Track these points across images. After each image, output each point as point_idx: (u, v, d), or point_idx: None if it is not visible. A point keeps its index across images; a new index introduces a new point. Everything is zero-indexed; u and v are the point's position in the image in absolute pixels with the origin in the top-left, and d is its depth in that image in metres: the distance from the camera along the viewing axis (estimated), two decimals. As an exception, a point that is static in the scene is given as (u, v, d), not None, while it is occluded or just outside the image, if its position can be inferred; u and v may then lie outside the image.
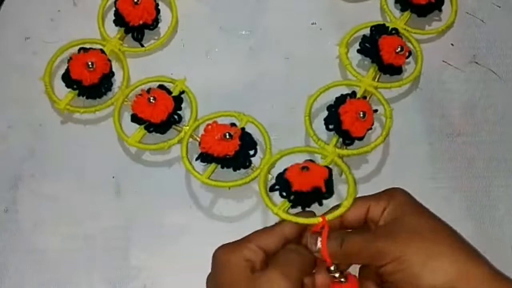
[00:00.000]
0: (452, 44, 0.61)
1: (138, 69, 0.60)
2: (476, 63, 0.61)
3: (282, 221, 0.48)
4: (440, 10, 0.62)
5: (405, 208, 0.46)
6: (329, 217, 0.48)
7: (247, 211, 0.55)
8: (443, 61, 0.61)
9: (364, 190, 0.56)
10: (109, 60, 0.59)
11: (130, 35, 0.61)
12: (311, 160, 0.52)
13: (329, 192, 0.50)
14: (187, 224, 0.55)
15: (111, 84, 0.59)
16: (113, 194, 0.56)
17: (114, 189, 0.56)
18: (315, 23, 0.62)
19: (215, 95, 0.59)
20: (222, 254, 0.45)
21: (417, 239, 0.43)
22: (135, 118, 0.56)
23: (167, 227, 0.55)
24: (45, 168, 0.57)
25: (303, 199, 0.50)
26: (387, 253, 0.43)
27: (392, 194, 0.47)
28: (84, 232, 0.55)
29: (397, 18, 0.61)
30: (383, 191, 0.48)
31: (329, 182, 0.50)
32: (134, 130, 0.57)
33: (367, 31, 0.60)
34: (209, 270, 0.47)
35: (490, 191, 0.56)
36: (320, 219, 0.48)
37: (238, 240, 0.46)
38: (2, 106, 0.59)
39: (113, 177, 0.56)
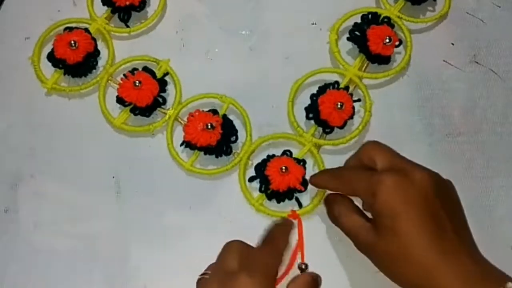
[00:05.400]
0: (452, 44, 0.61)
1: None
2: (476, 63, 0.61)
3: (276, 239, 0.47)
4: (434, 0, 0.62)
5: (396, 208, 0.45)
6: (299, 212, 0.53)
7: (247, 211, 0.55)
8: (444, 60, 0.61)
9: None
10: (94, 39, 0.59)
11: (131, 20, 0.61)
12: (289, 153, 0.55)
13: (304, 188, 0.54)
14: (186, 224, 0.55)
15: (96, 63, 0.60)
16: (113, 194, 0.56)
17: (114, 189, 0.56)
18: (315, 23, 0.62)
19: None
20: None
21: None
22: (120, 100, 0.57)
23: (167, 227, 0.55)
24: (45, 168, 0.57)
25: (279, 195, 0.54)
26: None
27: (378, 187, 0.45)
28: (84, 232, 0.55)
29: (391, 5, 0.61)
30: (369, 177, 0.47)
31: (305, 180, 0.54)
32: (119, 109, 0.58)
33: (359, 18, 0.60)
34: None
35: (490, 191, 0.56)
36: (290, 213, 0.52)
37: None
38: (2, 106, 0.59)
39: (113, 177, 0.56)
